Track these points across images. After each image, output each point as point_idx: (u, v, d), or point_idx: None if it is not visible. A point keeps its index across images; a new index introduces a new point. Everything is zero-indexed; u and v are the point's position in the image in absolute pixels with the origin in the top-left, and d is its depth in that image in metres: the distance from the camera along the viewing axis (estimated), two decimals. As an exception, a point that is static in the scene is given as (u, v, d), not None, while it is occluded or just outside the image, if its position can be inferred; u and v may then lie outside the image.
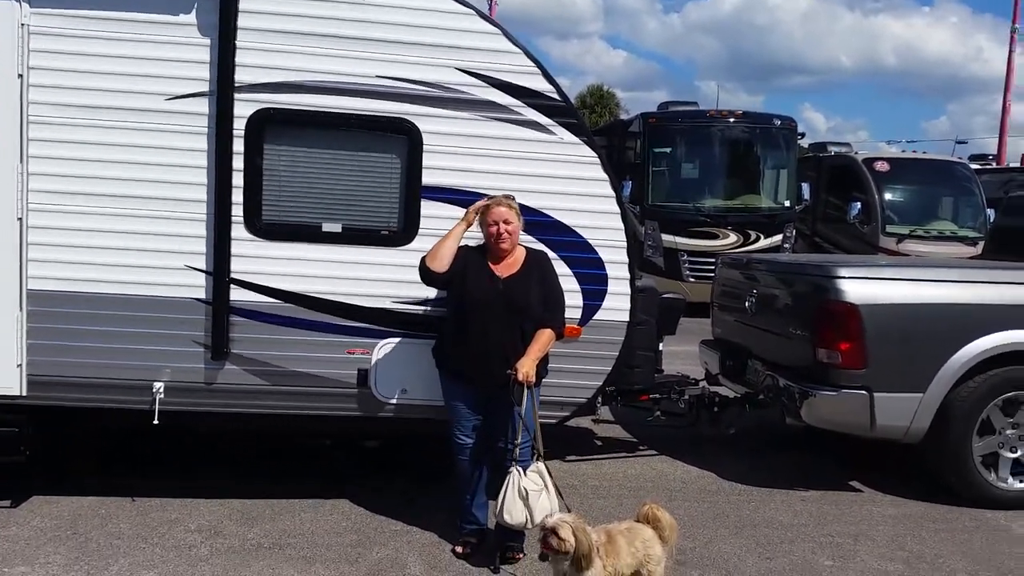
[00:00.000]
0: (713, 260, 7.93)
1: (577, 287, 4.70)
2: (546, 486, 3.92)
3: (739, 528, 4.77)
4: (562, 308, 4.24)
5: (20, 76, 4.24)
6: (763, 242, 13.68)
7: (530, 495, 3.83)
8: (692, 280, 13.32)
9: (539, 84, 4.60)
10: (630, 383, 5.52)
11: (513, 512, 3.84)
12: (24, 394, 4.42)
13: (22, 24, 4.23)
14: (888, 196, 14.30)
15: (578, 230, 4.70)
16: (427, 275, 4.17)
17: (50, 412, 4.53)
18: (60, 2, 4.26)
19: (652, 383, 5.72)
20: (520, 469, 3.93)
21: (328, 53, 4.44)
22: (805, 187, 14.47)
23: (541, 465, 3.98)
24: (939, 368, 5.12)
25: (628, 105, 45.68)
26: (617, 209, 4.74)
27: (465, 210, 4.27)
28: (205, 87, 4.37)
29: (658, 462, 5.96)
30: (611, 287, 4.77)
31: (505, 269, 4.15)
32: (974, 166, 16.52)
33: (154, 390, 4.47)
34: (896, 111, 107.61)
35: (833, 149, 16.27)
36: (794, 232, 14.23)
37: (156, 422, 4.48)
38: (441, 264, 4.11)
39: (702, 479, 5.62)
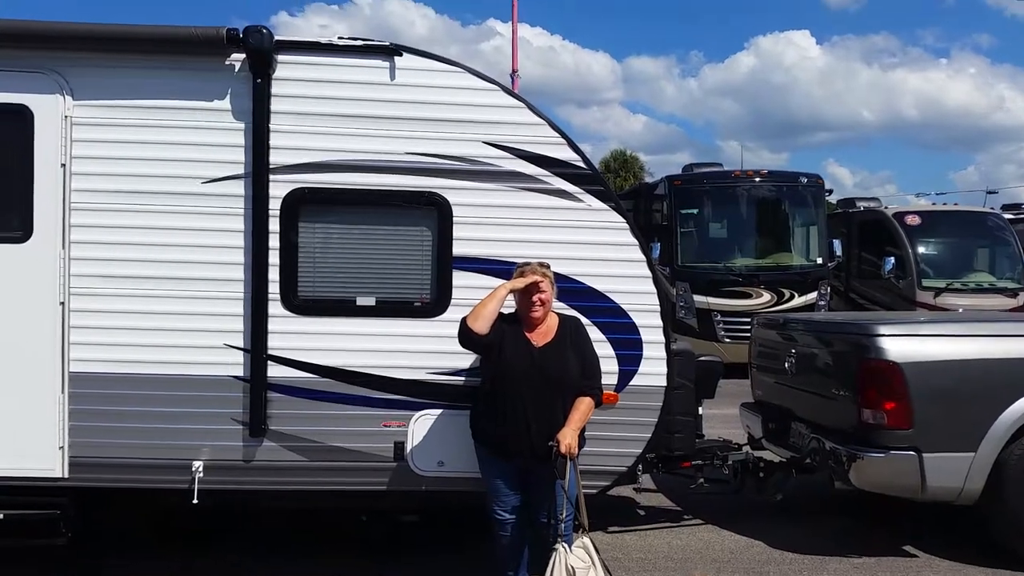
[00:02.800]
0: (748, 320, 7.85)
1: (612, 353, 4.66)
2: (593, 562, 3.82)
3: (791, 599, 4.60)
4: (599, 374, 4.20)
5: (63, 166, 4.39)
6: (797, 300, 13.53)
7: (577, 572, 3.72)
8: (727, 340, 13.17)
9: (564, 153, 4.65)
10: (671, 449, 5.41)
11: (561, 592, 3.72)
12: (66, 476, 4.44)
13: (65, 116, 4.40)
14: (922, 249, 14.15)
15: (610, 295, 4.68)
16: (467, 336, 4.07)
17: (91, 493, 4.53)
18: (101, 93, 4.43)
19: (693, 449, 5.59)
20: (566, 546, 3.84)
21: (359, 133, 4.55)
22: (836, 243, 14.38)
23: (587, 540, 3.90)
24: (989, 426, 4.97)
25: (652, 168, 46.22)
26: (648, 273, 4.73)
27: (499, 280, 4.31)
28: (240, 169, 4.48)
29: (704, 531, 5.79)
30: (646, 351, 4.72)
31: (539, 338, 4.12)
32: (1007, 216, 16.32)
33: (193, 469, 4.47)
34: (922, 163, 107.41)
35: (862, 204, 16.20)
36: (828, 289, 14.07)
37: (195, 501, 4.47)
38: (483, 325, 4.02)
39: (751, 548, 5.45)
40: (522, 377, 4.02)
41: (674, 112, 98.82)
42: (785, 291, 13.54)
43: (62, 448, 4.41)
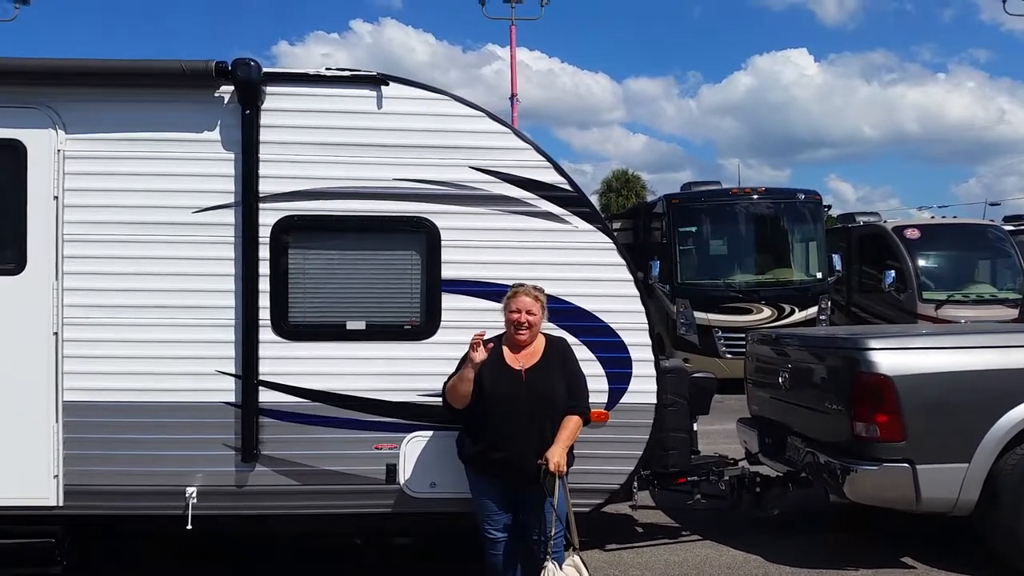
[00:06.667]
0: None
1: (601, 371, 4.70)
2: (582, 579, 3.83)
3: (787, 614, 4.59)
4: (586, 393, 4.23)
5: (56, 198, 4.48)
6: (798, 315, 13.53)
7: (566, 590, 3.73)
8: (729, 356, 13.15)
9: (550, 177, 4.72)
10: (666, 466, 5.43)
11: (549, 608, 3.73)
12: (60, 504, 4.48)
13: (58, 150, 4.49)
14: (922, 263, 14.16)
15: (598, 315, 4.73)
16: (450, 410, 4.23)
17: (85, 521, 4.57)
18: (93, 127, 4.52)
19: (689, 465, 5.61)
20: (555, 563, 3.85)
21: (347, 161, 4.63)
22: (836, 258, 14.38)
23: (576, 558, 3.91)
24: (982, 437, 4.96)
25: (654, 186, 46.26)
26: (635, 292, 4.77)
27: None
28: (230, 199, 4.56)
29: (702, 547, 5.78)
30: (636, 369, 4.76)
31: (526, 359, 4.15)
32: (1008, 227, 16.32)
33: (187, 495, 4.51)
34: (924, 177, 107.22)
35: (861, 219, 16.24)
36: (829, 304, 14.06)
37: (189, 527, 4.50)
38: (462, 403, 4.13)
39: (748, 563, 5.44)
40: (507, 400, 4.04)
41: (674, 132, 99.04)
42: (785, 306, 13.55)
43: (56, 477, 4.46)
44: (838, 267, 14.41)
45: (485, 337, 4.09)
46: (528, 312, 4.13)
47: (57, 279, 4.47)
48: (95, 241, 4.50)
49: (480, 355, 4.01)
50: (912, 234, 14.35)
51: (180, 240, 4.55)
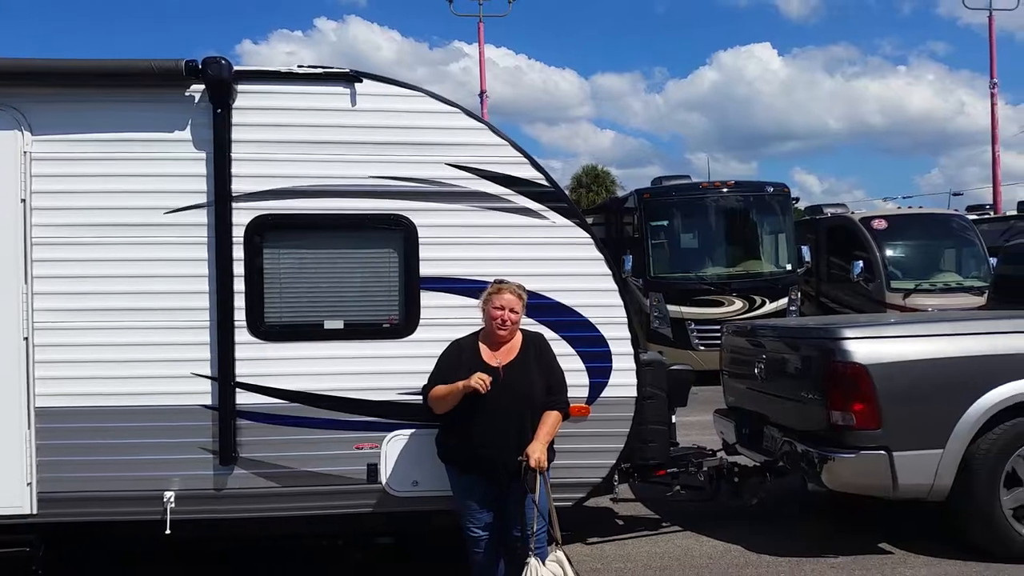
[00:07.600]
0: (721, 327, 7.94)
1: (582, 366, 4.70)
2: (566, 575, 3.83)
3: (769, 603, 4.63)
4: (565, 388, 4.24)
5: (23, 201, 4.37)
6: (769, 306, 13.68)
7: (548, 586, 3.73)
8: (702, 348, 13.27)
9: (527, 172, 4.71)
10: (645, 459, 5.45)
11: (533, 605, 3.73)
12: (34, 512, 4.39)
13: (24, 152, 4.38)
14: (889, 253, 14.38)
15: (578, 309, 4.73)
16: (430, 412, 4.21)
17: (60, 529, 4.48)
18: (60, 128, 4.43)
19: (668, 457, 5.64)
20: (538, 559, 3.86)
21: (321, 159, 4.58)
22: (805, 250, 14.57)
23: (560, 553, 3.92)
24: (955, 422, 5.05)
25: (624, 182, 46.47)
26: (614, 286, 4.78)
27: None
28: (203, 199, 4.49)
29: (683, 538, 5.82)
30: (616, 363, 4.77)
31: (503, 356, 4.15)
32: (972, 216, 16.65)
33: (164, 500, 4.44)
34: (888, 168, 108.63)
35: (829, 210, 16.45)
36: (799, 294, 14.24)
37: (168, 532, 4.43)
38: (443, 411, 4.12)
39: (729, 553, 5.48)
40: (486, 397, 4.02)
41: (641, 127, 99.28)
42: (756, 298, 13.69)
43: (30, 484, 4.36)
44: (807, 258, 14.60)
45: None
46: (511, 310, 4.13)
47: (26, 283, 4.37)
48: (65, 244, 4.41)
49: (483, 386, 3.97)
50: (879, 225, 14.56)
51: (152, 242, 4.47)
